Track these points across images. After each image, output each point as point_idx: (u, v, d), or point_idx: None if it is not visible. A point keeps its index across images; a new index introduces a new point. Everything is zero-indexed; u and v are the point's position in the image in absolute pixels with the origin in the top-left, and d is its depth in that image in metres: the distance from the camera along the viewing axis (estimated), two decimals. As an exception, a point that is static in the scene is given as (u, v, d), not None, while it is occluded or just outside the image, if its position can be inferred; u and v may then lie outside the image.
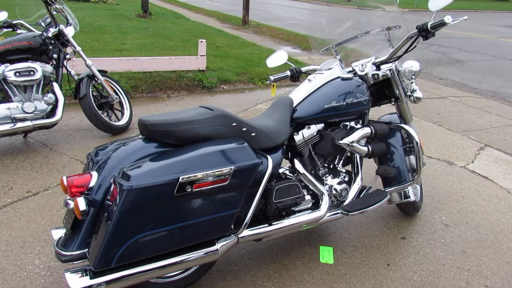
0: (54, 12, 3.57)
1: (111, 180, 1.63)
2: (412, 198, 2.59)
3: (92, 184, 1.67)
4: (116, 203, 1.53)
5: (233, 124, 1.88)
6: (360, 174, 2.40)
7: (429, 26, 2.15)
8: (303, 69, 2.64)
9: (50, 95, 3.47)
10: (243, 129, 1.91)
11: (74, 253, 1.65)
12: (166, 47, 7.68)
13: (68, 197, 1.70)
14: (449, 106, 5.56)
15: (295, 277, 2.22)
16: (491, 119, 5.13)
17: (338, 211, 2.27)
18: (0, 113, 3.23)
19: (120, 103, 4.12)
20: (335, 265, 2.34)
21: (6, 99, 3.35)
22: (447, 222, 2.82)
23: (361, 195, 2.41)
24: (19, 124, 3.31)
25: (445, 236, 2.67)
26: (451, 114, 5.22)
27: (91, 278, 1.58)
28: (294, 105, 2.24)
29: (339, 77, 2.31)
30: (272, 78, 2.57)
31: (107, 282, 1.60)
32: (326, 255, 2.41)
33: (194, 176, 1.62)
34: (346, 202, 2.31)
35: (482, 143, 4.30)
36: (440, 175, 3.51)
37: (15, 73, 3.30)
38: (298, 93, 2.29)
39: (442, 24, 2.08)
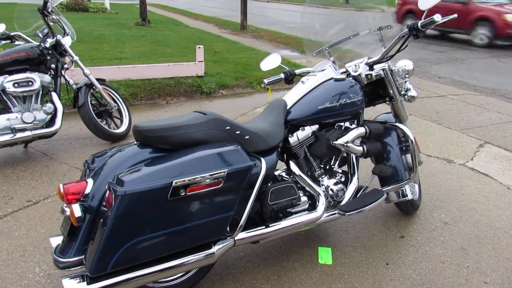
0: (51, 23, 3.60)
1: (106, 187, 1.65)
2: (410, 196, 2.60)
3: (87, 191, 1.70)
4: (111, 208, 1.54)
5: (227, 128, 1.89)
6: (356, 174, 2.41)
7: (419, 25, 2.17)
8: (297, 71, 2.66)
9: (49, 104, 3.51)
10: (237, 132, 1.92)
11: (71, 259, 1.67)
12: (165, 54, 7.72)
13: (65, 205, 1.72)
14: (448, 105, 5.56)
15: (294, 278, 2.23)
16: (490, 116, 5.12)
17: (335, 211, 2.28)
18: (0, 124, 3.27)
19: (119, 110, 4.15)
20: (334, 266, 2.34)
21: (6, 109, 3.38)
22: (446, 220, 2.81)
23: (358, 195, 2.42)
24: (19, 134, 3.34)
25: (444, 234, 2.66)
26: (451, 112, 5.22)
27: (88, 283, 1.60)
28: (288, 107, 2.25)
29: (332, 78, 2.33)
30: (266, 81, 2.58)
31: (104, 288, 1.61)
32: (325, 255, 2.41)
33: (187, 180, 1.64)
34: (343, 202, 2.32)
35: (481, 140, 4.29)
36: (439, 173, 3.51)
37: (14, 84, 3.34)
38: (291, 95, 2.31)
39: (432, 22, 2.10)
